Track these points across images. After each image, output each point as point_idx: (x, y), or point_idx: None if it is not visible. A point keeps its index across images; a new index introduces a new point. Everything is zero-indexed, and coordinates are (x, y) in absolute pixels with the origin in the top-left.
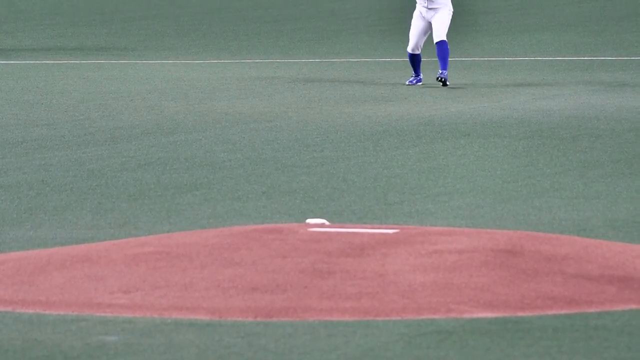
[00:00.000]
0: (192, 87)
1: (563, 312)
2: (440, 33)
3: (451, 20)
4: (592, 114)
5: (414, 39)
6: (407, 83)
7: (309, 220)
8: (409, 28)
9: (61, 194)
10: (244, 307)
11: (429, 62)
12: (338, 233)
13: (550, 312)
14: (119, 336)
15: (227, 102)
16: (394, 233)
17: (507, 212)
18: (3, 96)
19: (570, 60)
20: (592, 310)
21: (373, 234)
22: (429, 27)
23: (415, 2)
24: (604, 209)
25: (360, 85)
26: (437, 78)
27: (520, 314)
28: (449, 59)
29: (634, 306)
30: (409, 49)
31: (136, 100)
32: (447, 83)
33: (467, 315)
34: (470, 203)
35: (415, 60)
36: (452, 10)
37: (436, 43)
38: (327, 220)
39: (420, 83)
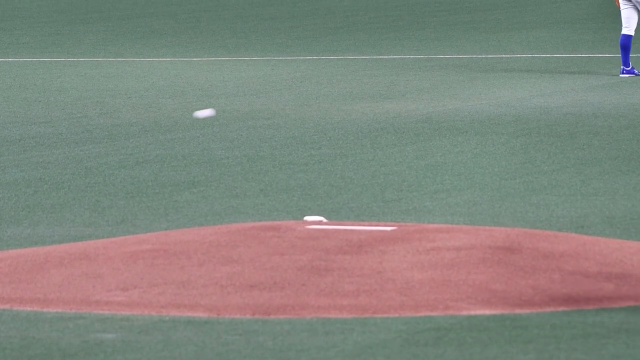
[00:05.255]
0: (190, 84)
1: (561, 309)
2: None
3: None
4: (589, 111)
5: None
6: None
7: (306, 218)
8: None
9: (59, 191)
10: (242, 304)
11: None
12: (336, 230)
13: (548, 309)
14: (116, 334)
15: (224, 100)
16: (391, 230)
17: (504, 209)
18: (0, 94)
19: (568, 57)
20: (590, 307)
21: (371, 232)
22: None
23: None
24: (601, 206)
25: (358, 82)
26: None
27: (518, 311)
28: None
29: (631, 303)
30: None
31: (134, 97)
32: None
33: (465, 313)
34: (467, 200)
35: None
36: None
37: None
38: (325, 217)
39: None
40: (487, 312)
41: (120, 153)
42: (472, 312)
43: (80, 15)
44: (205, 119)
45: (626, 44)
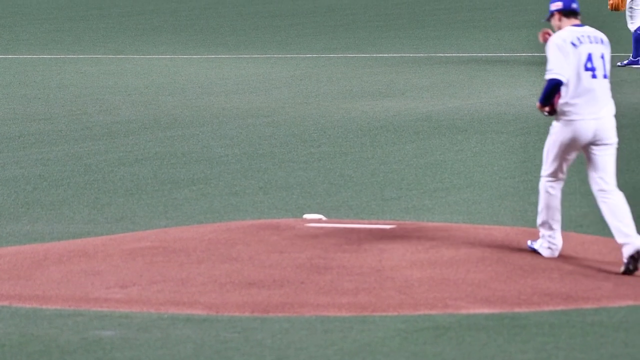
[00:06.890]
0: (190, 82)
1: (559, 308)
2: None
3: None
4: None
5: None
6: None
7: (306, 216)
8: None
9: (58, 188)
10: (241, 302)
11: None
12: (335, 228)
13: (546, 308)
14: (115, 331)
15: (224, 97)
16: (391, 229)
17: (504, 208)
18: (0, 90)
19: None
20: (589, 306)
21: (370, 230)
22: None
23: None
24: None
25: (358, 80)
26: None
27: (516, 309)
28: None
29: (630, 302)
30: None
31: (133, 95)
32: None
33: (463, 311)
34: (467, 199)
35: None
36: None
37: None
38: (324, 215)
39: None
40: (486, 310)
41: (120, 150)
42: (471, 311)
43: (80, 12)
44: (204, 117)
45: None
